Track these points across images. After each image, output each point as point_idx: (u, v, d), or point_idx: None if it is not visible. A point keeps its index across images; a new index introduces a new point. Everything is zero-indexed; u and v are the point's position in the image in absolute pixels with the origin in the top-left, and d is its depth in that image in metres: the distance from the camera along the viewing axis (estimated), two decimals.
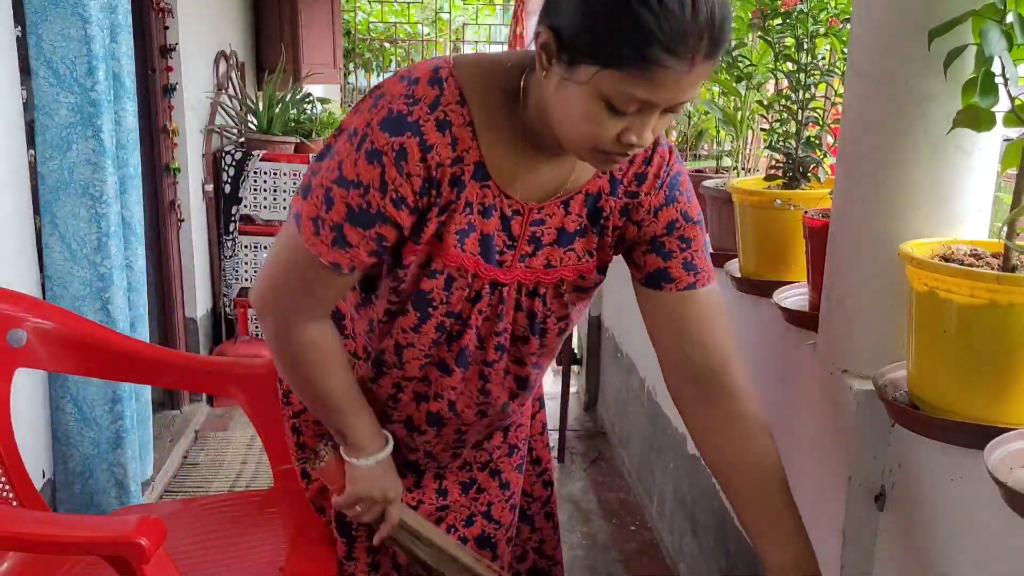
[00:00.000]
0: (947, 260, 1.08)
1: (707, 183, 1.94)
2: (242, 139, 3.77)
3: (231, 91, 3.85)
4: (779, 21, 1.73)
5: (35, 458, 2.15)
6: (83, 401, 2.24)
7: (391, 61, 7.95)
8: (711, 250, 1.27)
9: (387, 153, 1.05)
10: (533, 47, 1.03)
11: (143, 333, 2.54)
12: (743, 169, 2.05)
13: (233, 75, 3.90)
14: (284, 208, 3.66)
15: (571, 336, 3.43)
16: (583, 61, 0.96)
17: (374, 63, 7.74)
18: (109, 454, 2.27)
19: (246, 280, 3.71)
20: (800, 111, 1.69)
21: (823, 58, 1.71)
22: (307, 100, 3.94)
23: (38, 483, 2.13)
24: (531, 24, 6.24)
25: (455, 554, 1.38)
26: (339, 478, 1.32)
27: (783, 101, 1.73)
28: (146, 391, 2.58)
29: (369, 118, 1.07)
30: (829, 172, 1.69)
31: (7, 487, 1.66)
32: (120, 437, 2.28)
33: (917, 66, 1.14)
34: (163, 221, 3.20)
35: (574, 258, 1.22)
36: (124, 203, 2.39)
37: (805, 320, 1.48)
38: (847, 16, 1.60)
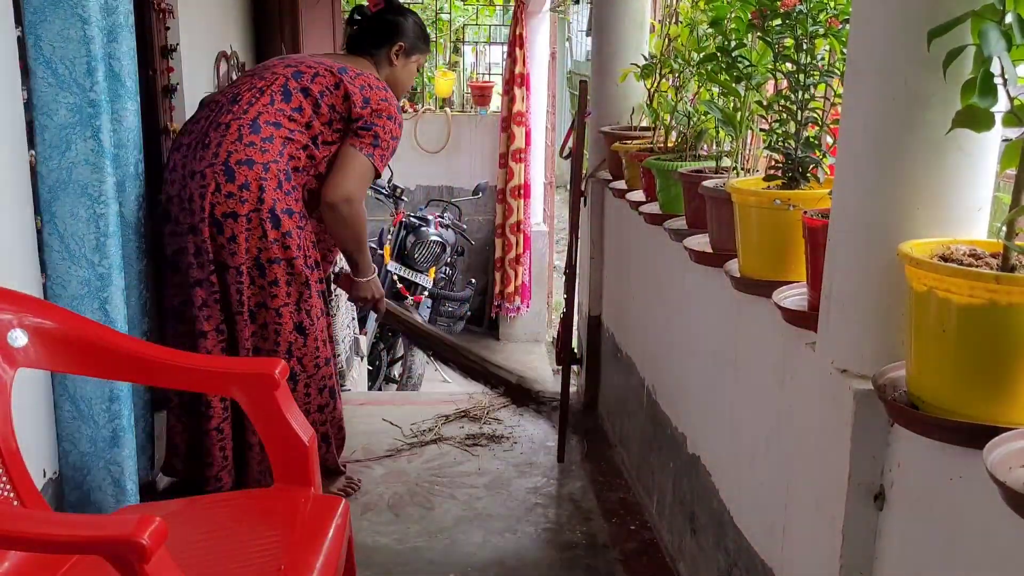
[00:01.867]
0: (946, 260, 1.08)
1: (707, 183, 1.94)
2: None
3: None
4: (778, 22, 1.73)
5: (36, 457, 2.15)
6: (81, 399, 2.25)
7: None
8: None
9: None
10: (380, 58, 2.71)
11: (142, 331, 2.54)
12: (743, 169, 2.05)
13: (234, 75, 3.90)
14: None
15: (571, 336, 3.43)
16: (414, 53, 2.73)
17: None
18: (107, 452, 2.28)
19: None
20: (799, 111, 1.70)
21: (823, 58, 1.72)
22: None
23: (39, 482, 2.13)
24: (531, 24, 6.23)
25: (424, 328, 2.89)
26: (348, 288, 2.86)
27: (782, 101, 1.73)
28: (145, 390, 2.58)
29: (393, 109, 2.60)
30: (828, 172, 1.69)
31: (8, 486, 1.66)
32: (117, 436, 2.28)
33: (917, 66, 1.14)
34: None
35: None
36: (123, 203, 2.39)
37: (805, 320, 1.48)
38: (847, 16, 1.61)
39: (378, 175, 2.62)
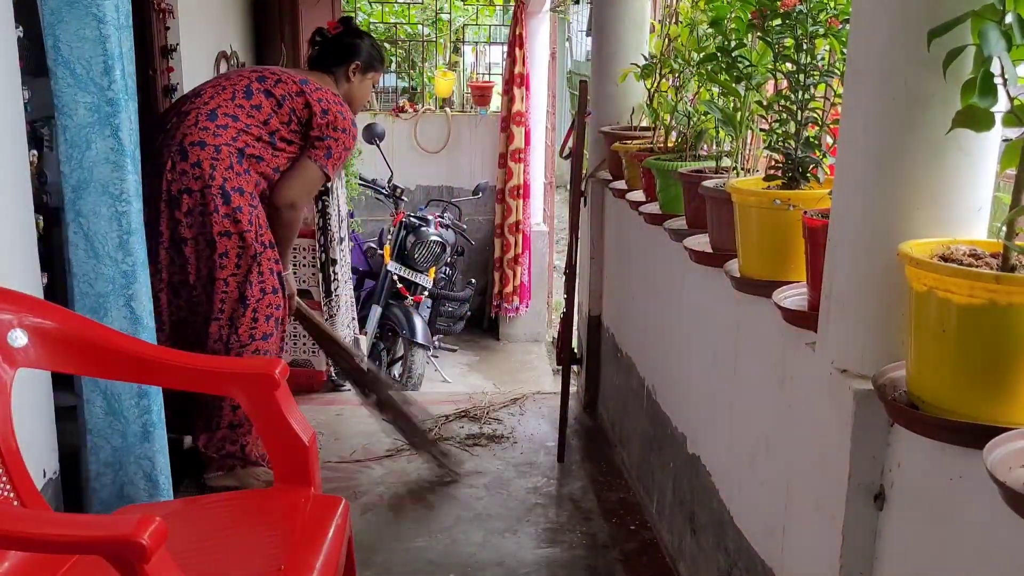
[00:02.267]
0: (946, 260, 1.08)
1: (707, 183, 1.94)
2: None
3: None
4: (778, 22, 1.73)
5: (36, 457, 2.15)
6: (111, 394, 2.26)
7: (391, 61, 7.95)
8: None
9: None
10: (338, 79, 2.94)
11: (162, 331, 2.57)
12: (743, 169, 2.05)
13: None
14: None
15: (571, 336, 3.43)
16: (369, 71, 2.97)
17: None
18: (137, 447, 2.29)
19: None
20: (799, 111, 1.70)
21: (822, 58, 1.72)
22: None
23: (39, 482, 2.13)
24: (531, 24, 6.23)
25: (327, 330, 3.21)
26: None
27: (782, 101, 1.73)
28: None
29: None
30: (828, 172, 1.69)
31: (8, 487, 1.66)
32: (148, 430, 2.29)
33: (917, 66, 1.14)
34: None
35: None
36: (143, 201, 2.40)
37: (805, 320, 1.48)
38: (847, 16, 1.61)
39: (327, 180, 2.87)
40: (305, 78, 2.78)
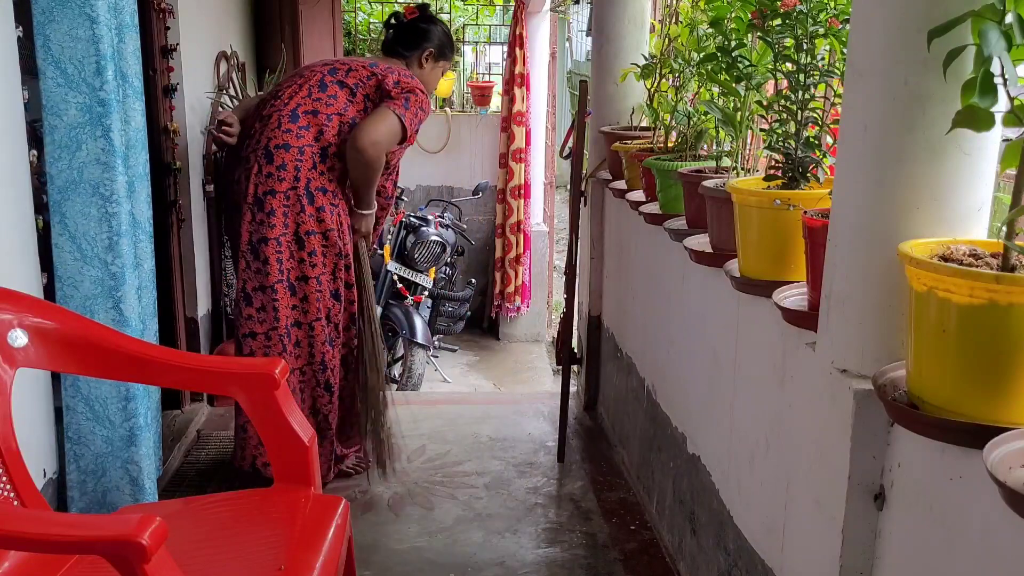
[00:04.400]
0: (946, 260, 1.08)
1: (707, 183, 1.94)
2: None
3: (232, 91, 3.85)
4: (779, 22, 1.73)
5: (36, 457, 2.15)
6: (95, 400, 2.25)
7: None
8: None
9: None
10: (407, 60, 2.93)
11: (153, 331, 2.55)
12: (743, 169, 2.05)
13: (234, 75, 3.90)
14: None
15: (571, 336, 3.43)
16: (441, 59, 2.98)
17: None
18: (123, 452, 2.28)
19: None
20: (800, 111, 1.70)
21: (823, 58, 1.72)
22: None
23: (39, 482, 2.14)
24: (531, 24, 6.23)
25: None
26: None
27: (783, 101, 1.73)
28: (157, 389, 2.59)
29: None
30: (829, 172, 1.69)
31: (8, 486, 1.66)
32: (134, 435, 2.29)
33: (917, 66, 1.14)
34: (164, 221, 3.20)
35: None
36: (134, 202, 2.39)
37: (805, 320, 1.48)
38: (847, 16, 1.61)
39: (404, 138, 2.74)
40: (375, 61, 2.83)
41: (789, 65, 1.72)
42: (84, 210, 2.17)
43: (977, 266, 1.06)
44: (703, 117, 2.39)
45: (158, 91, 3.12)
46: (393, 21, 2.98)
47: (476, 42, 8.65)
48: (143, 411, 2.32)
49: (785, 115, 1.73)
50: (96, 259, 2.20)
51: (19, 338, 1.74)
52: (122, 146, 2.23)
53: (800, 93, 1.69)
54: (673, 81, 2.66)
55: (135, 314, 2.29)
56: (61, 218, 2.17)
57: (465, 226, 5.75)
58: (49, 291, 2.24)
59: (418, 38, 2.92)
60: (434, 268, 5.19)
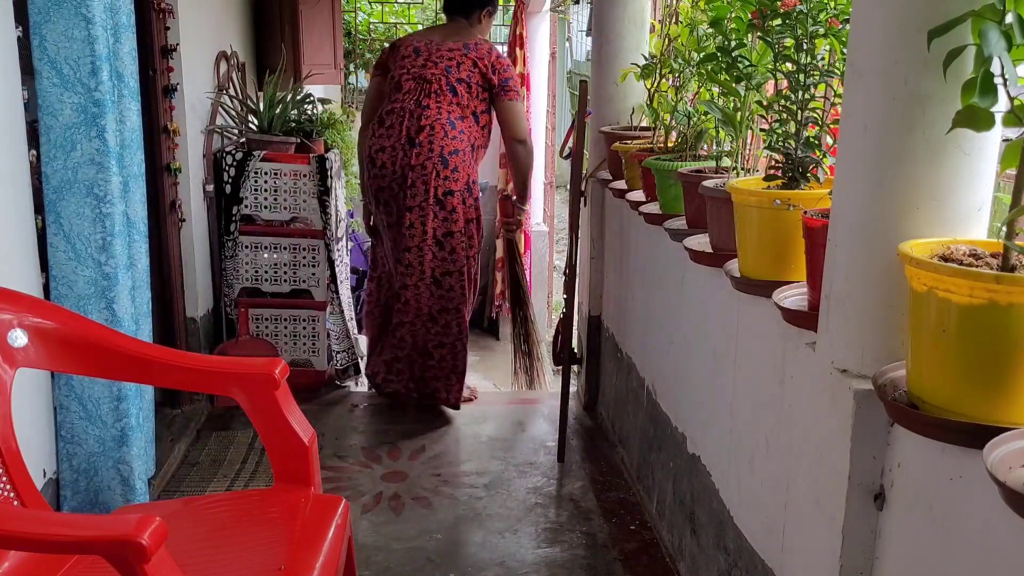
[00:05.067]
0: (946, 260, 1.08)
1: (707, 183, 1.94)
2: (243, 139, 3.77)
3: (232, 91, 3.85)
4: (779, 22, 1.73)
5: (36, 457, 2.15)
6: (88, 399, 2.25)
7: None
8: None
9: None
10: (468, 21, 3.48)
11: (147, 332, 2.55)
12: (743, 169, 2.05)
13: (234, 75, 3.90)
14: (284, 208, 3.67)
15: (571, 335, 3.43)
16: (493, 13, 3.54)
17: (374, 63, 7.73)
18: (115, 452, 2.28)
19: (247, 280, 3.71)
20: (799, 111, 1.69)
21: (823, 58, 1.72)
22: (308, 100, 3.94)
23: (39, 482, 2.14)
24: (531, 24, 6.22)
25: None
26: (510, 211, 3.79)
27: (783, 101, 1.73)
28: (150, 389, 2.59)
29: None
30: (829, 172, 1.69)
31: (8, 486, 1.66)
32: (125, 435, 2.29)
33: (917, 66, 1.14)
34: (164, 221, 3.21)
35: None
36: (128, 202, 2.39)
37: (805, 320, 1.48)
38: (847, 16, 1.61)
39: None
40: (465, 43, 3.35)
41: (789, 65, 1.72)
42: (78, 210, 2.17)
43: (977, 266, 1.06)
44: (703, 117, 2.39)
45: (158, 91, 3.12)
46: None
47: None
48: (135, 411, 2.32)
49: (785, 115, 1.73)
50: (90, 259, 2.20)
51: (19, 338, 1.74)
52: (117, 146, 2.23)
53: (800, 93, 1.69)
54: (673, 81, 2.66)
55: (128, 314, 2.29)
56: (56, 218, 2.17)
57: None
58: (47, 291, 2.24)
59: (474, 1, 3.47)
60: None
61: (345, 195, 4.28)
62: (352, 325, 4.08)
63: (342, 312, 3.84)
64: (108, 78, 2.17)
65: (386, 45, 3.82)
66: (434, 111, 3.28)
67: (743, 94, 1.96)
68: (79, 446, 2.26)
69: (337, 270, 3.78)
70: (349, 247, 4.41)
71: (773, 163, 1.79)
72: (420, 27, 8.23)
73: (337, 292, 3.78)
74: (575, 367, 3.78)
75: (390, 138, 3.31)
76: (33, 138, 2.18)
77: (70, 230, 2.18)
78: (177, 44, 3.20)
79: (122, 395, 2.26)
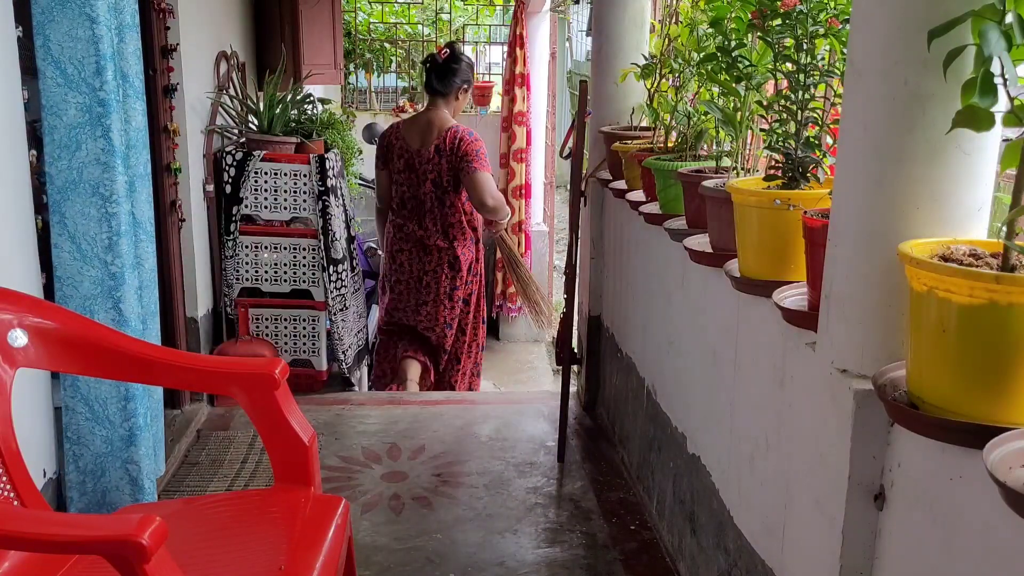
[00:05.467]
0: (946, 260, 1.08)
1: (707, 183, 1.94)
2: (243, 139, 3.77)
3: (232, 91, 3.85)
4: (779, 22, 1.73)
5: (36, 457, 2.15)
6: (95, 400, 2.25)
7: (391, 62, 7.95)
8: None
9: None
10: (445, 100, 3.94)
11: (155, 331, 2.55)
12: (743, 169, 2.05)
13: (234, 75, 3.90)
14: (285, 208, 3.67)
15: (571, 335, 3.43)
16: (469, 88, 4.01)
17: (375, 64, 7.74)
18: (123, 452, 2.28)
19: (247, 280, 3.71)
20: (800, 111, 1.69)
21: (823, 58, 1.72)
22: (308, 100, 3.94)
23: (39, 482, 2.14)
24: (531, 24, 6.23)
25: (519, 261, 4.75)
26: (490, 227, 4.27)
27: (783, 101, 1.73)
28: (158, 388, 2.59)
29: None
30: (829, 172, 1.69)
31: (8, 486, 1.66)
32: (133, 434, 2.29)
33: (917, 66, 1.14)
34: (164, 221, 3.20)
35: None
36: (135, 202, 2.39)
37: (805, 320, 1.48)
38: (847, 16, 1.61)
39: (489, 174, 3.88)
40: (436, 145, 3.82)
41: (789, 65, 1.72)
42: (84, 210, 2.17)
43: (977, 266, 1.06)
44: (703, 117, 2.39)
45: (158, 91, 3.12)
46: (428, 64, 3.89)
47: (476, 42, 8.65)
48: (142, 411, 2.32)
49: (785, 115, 1.73)
50: (96, 259, 2.20)
51: (19, 338, 1.74)
52: (122, 146, 2.23)
53: (800, 93, 1.69)
54: (673, 81, 2.66)
55: (135, 314, 2.28)
56: (60, 218, 2.17)
57: None
58: (48, 291, 2.24)
59: (451, 76, 3.85)
60: None
61: (349, 196, 4.28)
62: (363, 336, 4.10)
63: (344, 309, 3.84)
64: (113, 78, 2.16)
65: (376, 140, 4.22)
66: (432, 228, 3.93)
67: (743, 94, 1.96)
68: (85, 447, 2.26)
69: (344, 272, 3.78)
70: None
71: (773, 163, 1.79)
72: (420, 28, 8.25)
73: (341, 292, 3.78)
74: (575, 367, 3.78)
75: (407, 242, 3.99)
76: (34, 138, 2.18)
77: (75, 230, 2.18)
78: (177, 44, 3.20)
79: (130, 395, 2.26)
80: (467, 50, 8.36)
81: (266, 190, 3.65)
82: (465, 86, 3.92)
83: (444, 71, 3.86)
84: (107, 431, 2.26)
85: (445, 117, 3.88)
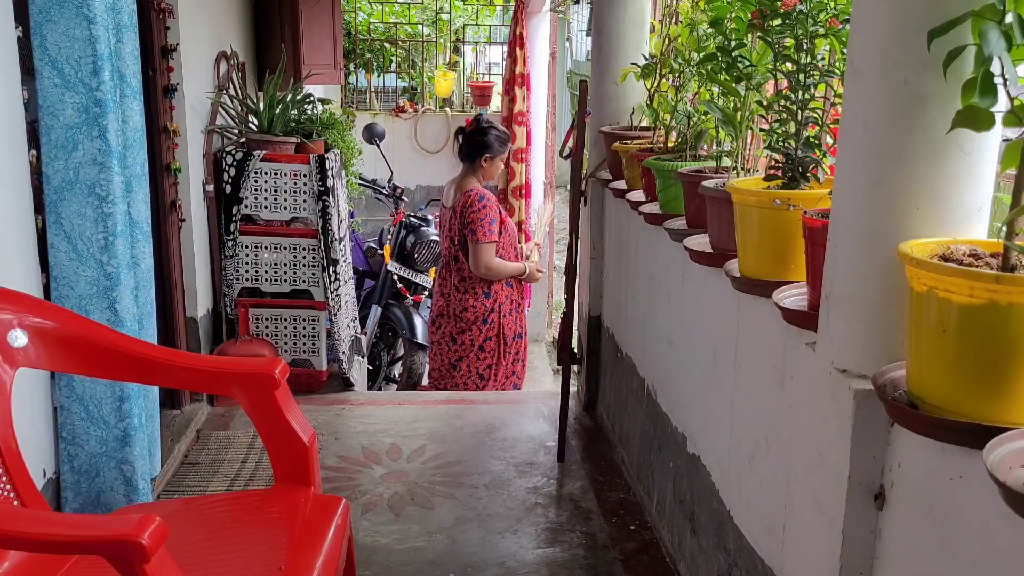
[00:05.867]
0: (946, 260, 1.08)
1: (707, 183, 1.94)
2: (243, 139, 3.77)
3: (232, 91, 3.85)
4: (779, 22, 1.73)
5: (36, 457, 2.15)
6: (90, 400, 2.24)
7: (391, 62, 7.95)
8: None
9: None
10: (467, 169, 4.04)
11: (151, 331, 2.55)
12: (743, 169, 2.05)
13: (234, 75, 3.90)
14: (285, 208, 3.67)
15: (571, 335, 3.43)
16: (497, 156, 4.02)
17: (374, 64, 7.74)
18: (117, 452, 2.28)
19: (247, 280, 3.71)
20: (800, 111, 1.69)
21: (823, 58, 1.71)
22: (308, 100, 3.94)
23: (39, 482, 2.14)
24: (531, 24, 6.23)
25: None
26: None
27: (783, 101, 1.73)
28: (154, 389, 2.59)
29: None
30: (829, 172, 1.69)
31: (8, 486, 1.66)
32: (128, 435, 2.28)
33: (917, 66, 1.14)
34: (164, 221, 3.21)
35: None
36: (131, 202, 2.39)
37: (805, 320, 1.48)
38: (847, 16, 1.61)
39: (498, 236, 3.94)
40: (453, 207, 3.95)
41: (789, 65, 1.72)
42: (80, 210, 2.17)
43: (977, 266, 1.06)
44: (703, 117, 2.39)
45: (158, 91, 3.12)
46: (460, 135, 4.04)
47: (476, 42, 8.66)
48: (137, 411, 2.32)
49: (785, 115, 1.73)
50: (92, 259, 2.19)
51: (19, 338, 1.74)
52: (119, 146, 2.23)
53: (800, 93, 1.69)
54: (673, 81, 2.66)
55: (131, 314, 2.28)
56: (57, 218, 2.17)
57: None
58: (46, 291, 2.24)
59: (477, 147, 3.96)
60: (434, 268, 5.19)
61: (346, 195, 4.29)
62: (355, 324, 4.09)
63: (340, 310, 3.84)
64: (110, 78, 2.16)
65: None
66: (447, 279, 4.08)
67: (743, 94, 1.96)
68: (80, 447, 2.26)
69: (340, 270, 3.78)
70: (350, 247, 4.41)
71: (773, 163, 1.79)
72: (420, 28, 8.25)
73: (338, 292, 3.78)
74: (575, 367, 3.78)
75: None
76: (33, 138, 2.17)
77: (71, 230, 2.17)
78: (177, 44, 3.20)
79: (124, 395, 2.26)
80: (466, 50, 8.37)
81: (266, 190, 3.65)
82: (488, 155, 3.99)
83: (468, 141, 3.99)
84: (102, 431, 2.26)
85: (468, 180, 4.00)
